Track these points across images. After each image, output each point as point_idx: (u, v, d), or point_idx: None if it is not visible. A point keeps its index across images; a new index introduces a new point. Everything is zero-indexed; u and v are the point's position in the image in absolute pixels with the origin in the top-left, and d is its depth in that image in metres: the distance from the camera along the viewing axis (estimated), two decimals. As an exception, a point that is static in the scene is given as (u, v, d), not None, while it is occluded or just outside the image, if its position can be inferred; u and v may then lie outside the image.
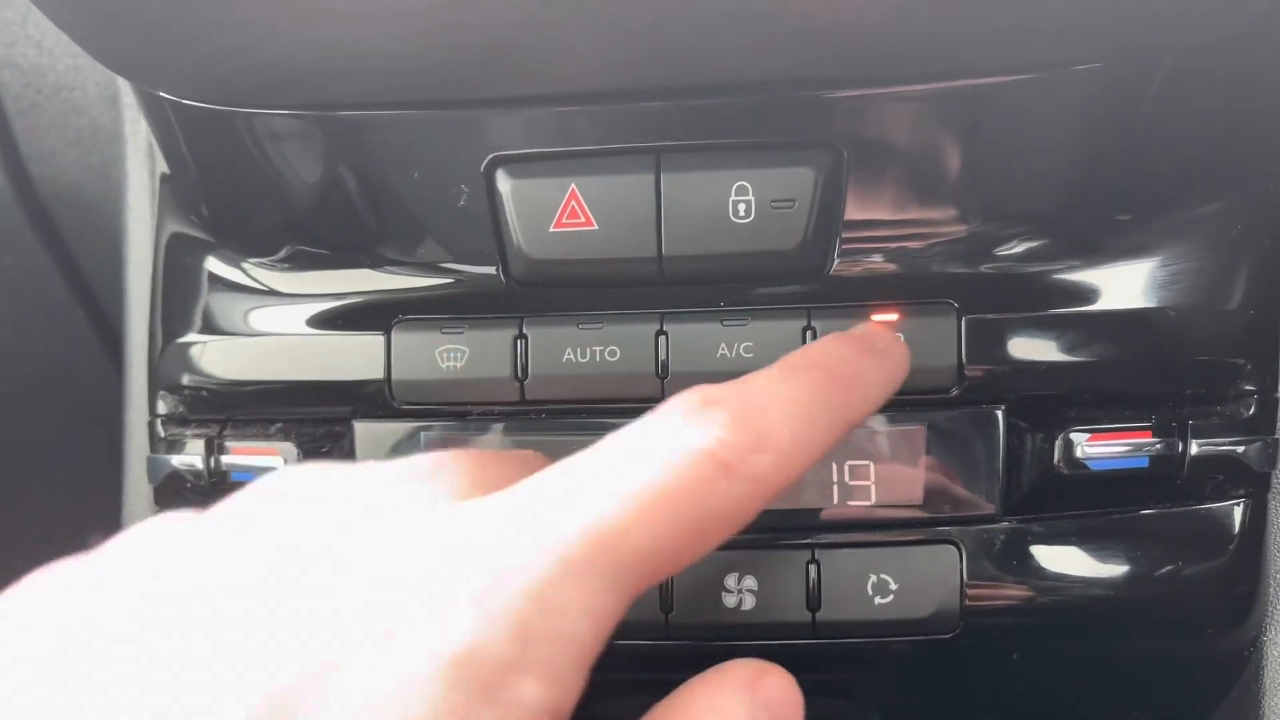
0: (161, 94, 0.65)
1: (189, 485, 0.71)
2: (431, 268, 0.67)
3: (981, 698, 0.71)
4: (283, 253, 0.71)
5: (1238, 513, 0.66)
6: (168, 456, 0.72)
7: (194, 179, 0.72)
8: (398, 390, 0.68)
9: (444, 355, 0.67)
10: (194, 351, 0.73)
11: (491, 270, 0.66)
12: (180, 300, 0.74)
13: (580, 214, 0.63)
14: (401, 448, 0.69)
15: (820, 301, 0.65)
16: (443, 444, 0.68)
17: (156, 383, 0.74)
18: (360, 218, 0.67)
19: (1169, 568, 0.66)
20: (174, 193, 0.76)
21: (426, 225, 0.67)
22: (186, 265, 0.74)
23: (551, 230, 0.64)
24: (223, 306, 0.72)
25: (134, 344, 0.80)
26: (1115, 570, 0.66)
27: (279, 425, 0.71)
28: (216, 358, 0.72)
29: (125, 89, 0.83)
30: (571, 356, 0.66)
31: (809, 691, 0.74)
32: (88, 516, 0.92)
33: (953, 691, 0.70)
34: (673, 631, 0.66)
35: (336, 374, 0.69)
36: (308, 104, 0.63)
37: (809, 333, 0.64)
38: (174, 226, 0.75)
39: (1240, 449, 0.64)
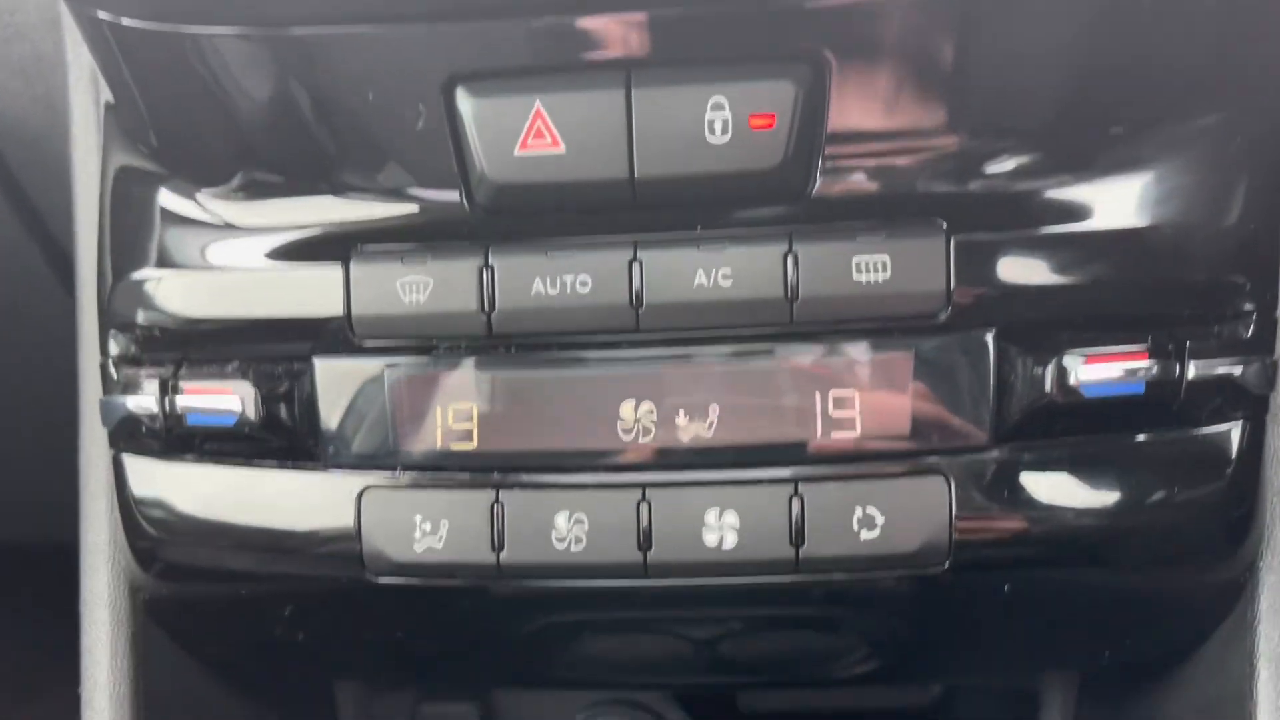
0: (99, 13, 0.61)
1: (144, 428, 0.69)
2: (390, 194, 0.64)
3: (972, 632, 0.70)
4: (235, 181, 0.67)
5: (1235, 436, 0.64)
6: (122, 399, 0.69)
7: (139, 107, 0.69)
8: (358, 325, 0.65)
9: (406, 288, 0.64)
10: (146, 288, 0.69)
11: (454, 196, 0.63)
12: (130, 235, 0.71)
13: (546, 135, 0.60)
14: (366, 388, 0.66)
15: (802, 224, 0.62)
16: (408, 382, 0.65)
17: (108, 321, 0.71)
18: (314, 142, 0.63)
19: (1165, 494, 0.64)
20: (119, 122, 0.73)
21: (384, 149, 0.63)
22: (135, 198, 0.71)
23: (516, 153, 0.60)
24: (174, 240, 0.69)
25: (84, 282, 0.77)
26: (1110, 498, 0.64)
27: (236, 364, 0.67)
28: (169, 294, 0.69)
29: (66, 12, 0.79)
30: (541, 287, 0.63)
31: (793, 628, 0.73)
32: (46, 463, 0.89)
33: (942, 626, 0.69)
34: (652, 570, 0.64)
35: (294, 309, 0.66)
36: (253, 19, 0.59)
37: (790, 258, 0.61)
38: (121, 158, 0.72)
39: (1238, 370, 0.62)
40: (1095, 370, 0.61)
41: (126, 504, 0.72)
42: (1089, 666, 0.80)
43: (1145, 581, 0.67)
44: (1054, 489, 0.64)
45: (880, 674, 0.76)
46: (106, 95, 0.73)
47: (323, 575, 0.68)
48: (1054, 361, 0.61)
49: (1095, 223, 0.62)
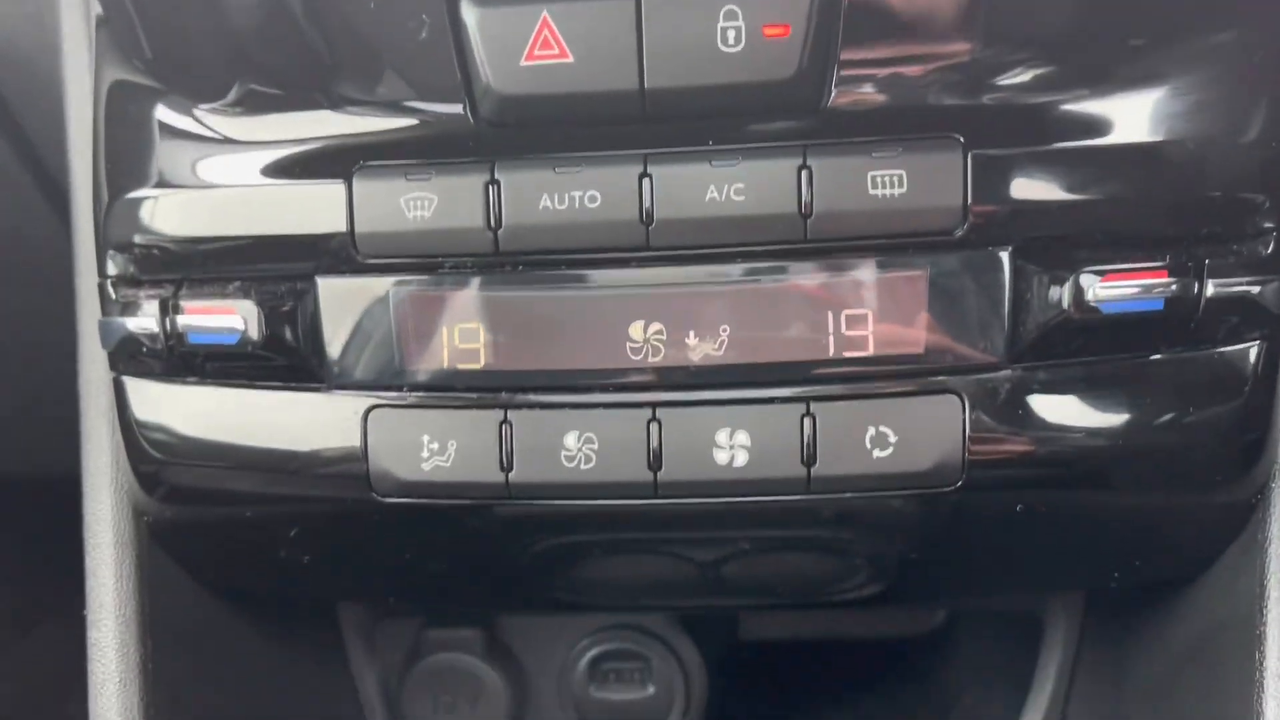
0: None
1: (145, 349, 0.67)
2: (393, 107, 0.62)
3: (981, 552, 0.69)
4: (233, 94, 0.65)
5: (1252, 356, 0.63)
6: (121, 320, 0.67)
7: (131, 18, 0.67)
8: (362, 243, 0.63)
9: (410, 204, 0.62)
10: (143, 207, 0.68)
11: (458, 109, 0.61)
12: (125, 152, 0.69)
13: (553, 44, 0.58)
14: (371, 307, 0.65)
15: (817, 138, 0.60)
16: (414, 301, 0.64)
17: (105, 242, 0.70)
18: (313, 53, 0.62)
19: (1180, 414, 0.63)
20: (111, 36, 0.70)
21: (385, 61, 0.61)
22: (130, 114, 0.69)
23: (522, 64, 0.59)
24: (171, 157, 0.67)
25: (80, 203, 0.75)
26: (1124, 418, 0.63)
27: (238, 284, 0.66)
28: (167, 213, 0.67)
29: (53, -77, 0.76)
30: (548, 203, 0.61)
31: (802, 550, 0.73)
32: (45, 387, 0.88)
33: (952, 547, 0.68)
34: (662, 490, 0.63)
35: (296, 227, 0.65)
36: None
37: (804, 172, 0.60)
38: (114, 73, 0.70)
39: (1257, 289, 0.61)
40: (1113, 288, 0.60)
41: (128, 427, 0.71)
42: (1097, 587, 0.80)
43: (1157, 502, 0.67)
44: (1069, 409, 0.63)
45: (889, 595, 0.75)
46: (97, 8, 0.71)
47: (329, 496, 0.67)
48: (1071, 279, 0.60)
49: (1115, 138, 0.61)
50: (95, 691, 0.72)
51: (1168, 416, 0.63)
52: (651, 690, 0.95)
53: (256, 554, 0.74)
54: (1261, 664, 0.65)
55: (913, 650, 1.06)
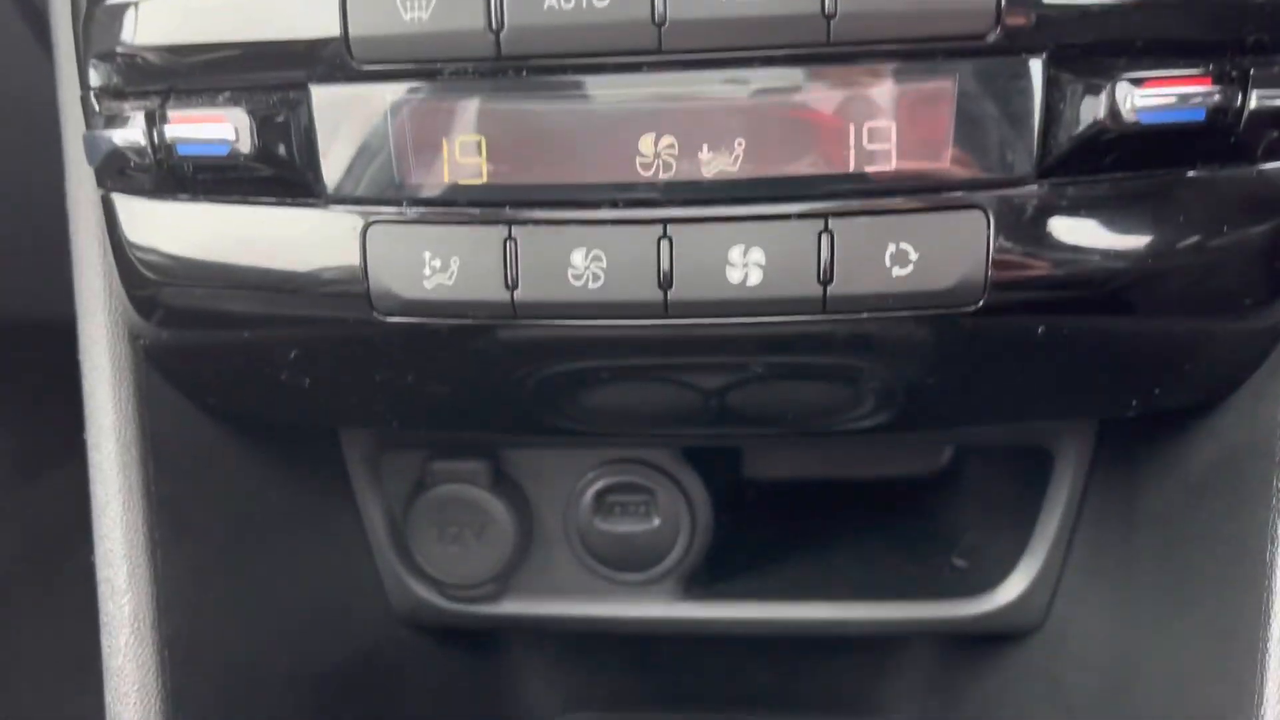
0: None
1: (133, 164, 0.64)
2: None
3: (1000, 377, 0.68)
4: None
5: None
6: (107, 132, 0.64)
7: None
8: (356, 47, 0.60)
9: (407, 4, 0.58)
10: (125, 14, 0.64)
11: None
12: None
13: None
14: (367, 117, 0.61)
15: None
16: (412, 110, 0.61)
17: (87, 52, 0.66)
18: None
19: (1213, 234, 0.60)
20: None
21: None
22: None
23: None
24: None
25: (58, 12, 0.71)
26: (1156, 237, 0.60)
27: (227, 93, 0.63)
28: (150, 19, 0.64)
29: None
30: (553, 1, 0.57)
31: (817, 376, 0.71)
32: (30, 212, 0.85)
33: (970, 371, 0.67)
34: (672, 309, 0.61)
35: (287, 31, 0.61)
36: None
37: None
38: None
39: None
40: (1152, 96, 0.57)
41: (119, 247, 0.68)
42: (1115, 414, 0.79)
43: (1184, 326, 0.65)
44: (1098, 226, 0.60)
45: (901, 423, 0.74)
46: None
47: (329, 316, 0.65)
48: (1108, 88, 0.57)
49: None
50: (99, 513, 0.72)
51: (1201, 236, 0.60)
52: (656, 523, 0.94)
53: (256, 378, 0.72)
54: (1278, 489, 0.64)
55: (919, 487, 1.05)
